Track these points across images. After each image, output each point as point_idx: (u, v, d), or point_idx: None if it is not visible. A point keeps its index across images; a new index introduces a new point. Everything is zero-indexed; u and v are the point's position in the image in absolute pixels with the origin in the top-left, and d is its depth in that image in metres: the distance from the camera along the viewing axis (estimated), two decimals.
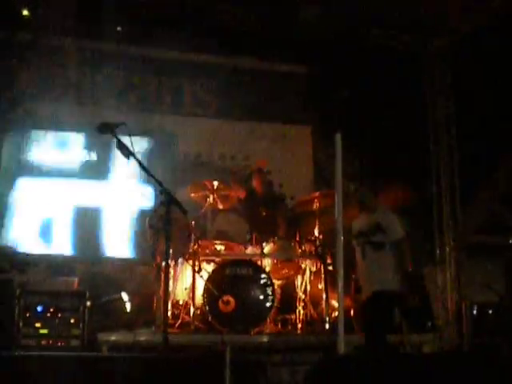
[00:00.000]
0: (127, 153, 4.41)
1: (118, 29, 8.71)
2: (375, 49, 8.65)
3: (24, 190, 8.41)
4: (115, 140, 4.45)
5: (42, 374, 5.63)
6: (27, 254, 8.07)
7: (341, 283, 4.59)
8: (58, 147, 8.63)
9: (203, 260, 6.96)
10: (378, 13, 8.14)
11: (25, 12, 8.39)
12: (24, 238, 8.22)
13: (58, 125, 8.71)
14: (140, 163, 4.37)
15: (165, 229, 4.23)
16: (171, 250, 4.55)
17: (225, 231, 7.66)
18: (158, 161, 8.36)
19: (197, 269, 6.81)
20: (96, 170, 8.64)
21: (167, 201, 4.22)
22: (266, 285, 6.76)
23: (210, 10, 8.60)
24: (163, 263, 6.79)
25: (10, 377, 5.52)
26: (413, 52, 9.05)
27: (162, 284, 6.77)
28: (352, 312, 7.20)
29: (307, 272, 7.26)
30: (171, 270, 6.82)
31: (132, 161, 4.43)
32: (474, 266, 8.73)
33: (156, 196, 8.30)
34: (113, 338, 6.38)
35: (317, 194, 7.50)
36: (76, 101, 8.90)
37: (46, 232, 8.36)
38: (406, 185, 8.28)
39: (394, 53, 8.84)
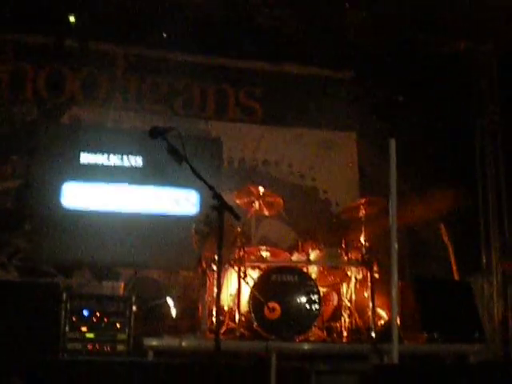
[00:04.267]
0: (179, 157, 4.39)
1: (164, 35, 8.77)
2: (421, 53, 8.58)
3: (70, 194, 8.47)
4: (166, 144, 4.45)
5: (89, 378, 5.68)
6: (72, 259, 8.15)
7: (394, 290, 4.53)
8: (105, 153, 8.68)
9: (249, 266, 6.92)
10: (426, 17, 8.07)
11: (71, 19, 8.49)
12: (69, 242, 8.28)
13: (103, 131, 8.82)
14: (192, 168, 4.36)
15: (217, 234, 4.20)
16: (216, 256, 4.51)
17: (270, 238, 7.64)
18: (202, 167, 8.37)
19: (242, 275, 6.78)
20: (141, 176, 8.66)
21: (219, 206, 4.19)
22: (311, 292, 6.69)
23: (253, 15, 8.62)
24: (208, 269, 6.86)
25: (56, 381, 5.58)
26: (460, 56, 8.95)
27: (208, 290, 6.80)
28: (398, 321, 7.12)
29: (353, 279, 7.19)
30: (216, 276, 6.79)
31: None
32: None
33: (202, 201, 8.34)
34: (158, 343, 6.35)
35: (363, 200, 7.41)
36: (122, 107, 8.98)
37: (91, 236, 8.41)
38: (454, 190, 8.19)
39: (441, 57, 8.75)
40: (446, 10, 8.00)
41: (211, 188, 4.29)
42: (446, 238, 7.57)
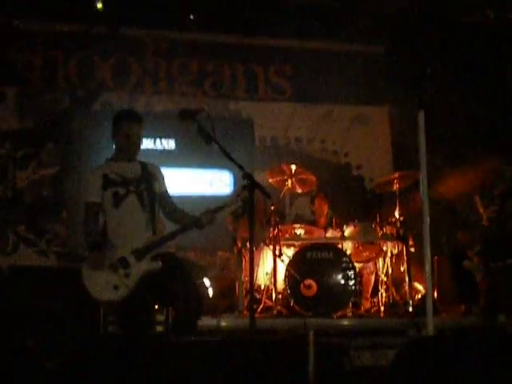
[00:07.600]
0: (208, 138, 4.41)
1: (191, 17, 8.77)
2: (451, 24, 8.46)
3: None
4: (196, 126, 4.47)
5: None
6: None
7: (428, 264, 4.50)
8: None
9: (284, 244, 6.93)
10: None
11: (99, 5, 8.52)
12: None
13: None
14: (222, 148, 4.37)
15: (248, 213, 4.21)
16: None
17: (303, 215, 7.62)
18: (234, 147, 8.38)
19: (277, 253, 6.78)
20: (174, 158, 8.70)
21: (250, 185, 4.20)
22: (347, 268, 6.69)
23: None
24: (243, 249, 6.88)
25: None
26: (492, 25, 8.79)
27: (245, 270, 6.82)
28: (436, 294, 7.08)
29: (388, 254, 7.16)
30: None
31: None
32: None
33: (235, 182, 8.37)
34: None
35: (396, 174, 7.33)
36: (152, 90, 9.02)
37: None
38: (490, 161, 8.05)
39: (470, 27, 8.61)
40: None
41: (241, 167, 4.30)
42: (481, 210, 7.48)
